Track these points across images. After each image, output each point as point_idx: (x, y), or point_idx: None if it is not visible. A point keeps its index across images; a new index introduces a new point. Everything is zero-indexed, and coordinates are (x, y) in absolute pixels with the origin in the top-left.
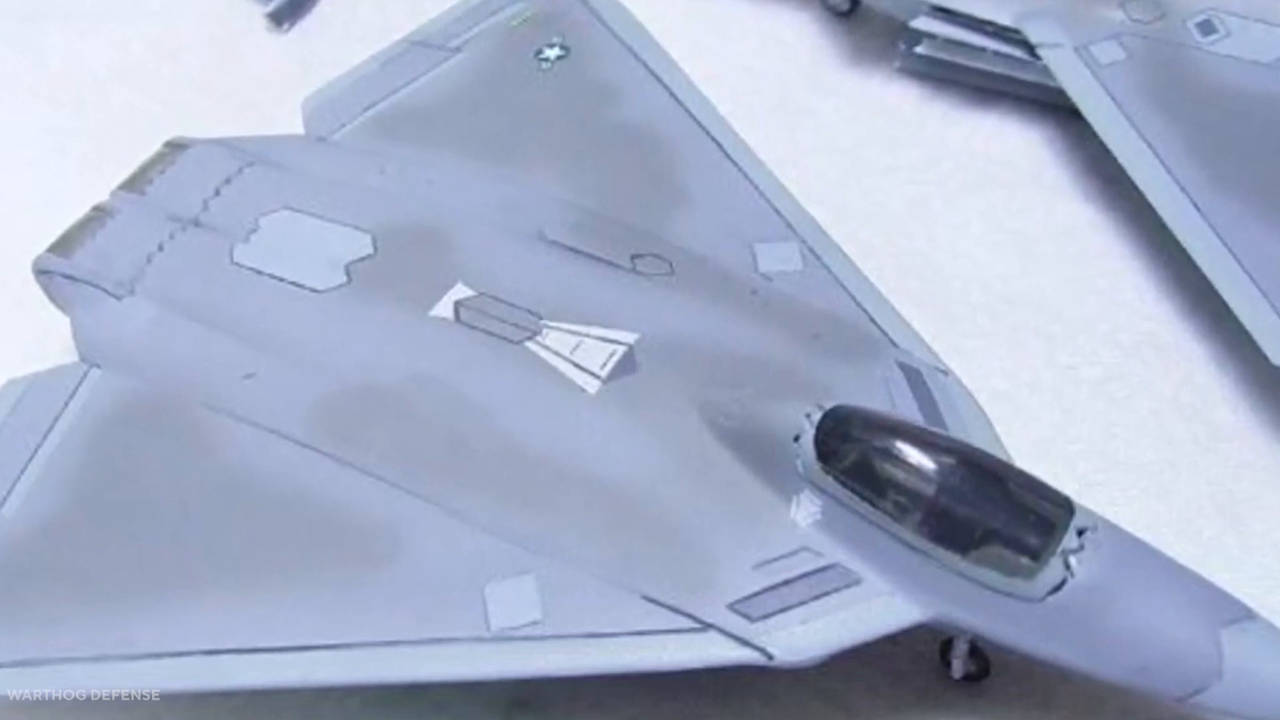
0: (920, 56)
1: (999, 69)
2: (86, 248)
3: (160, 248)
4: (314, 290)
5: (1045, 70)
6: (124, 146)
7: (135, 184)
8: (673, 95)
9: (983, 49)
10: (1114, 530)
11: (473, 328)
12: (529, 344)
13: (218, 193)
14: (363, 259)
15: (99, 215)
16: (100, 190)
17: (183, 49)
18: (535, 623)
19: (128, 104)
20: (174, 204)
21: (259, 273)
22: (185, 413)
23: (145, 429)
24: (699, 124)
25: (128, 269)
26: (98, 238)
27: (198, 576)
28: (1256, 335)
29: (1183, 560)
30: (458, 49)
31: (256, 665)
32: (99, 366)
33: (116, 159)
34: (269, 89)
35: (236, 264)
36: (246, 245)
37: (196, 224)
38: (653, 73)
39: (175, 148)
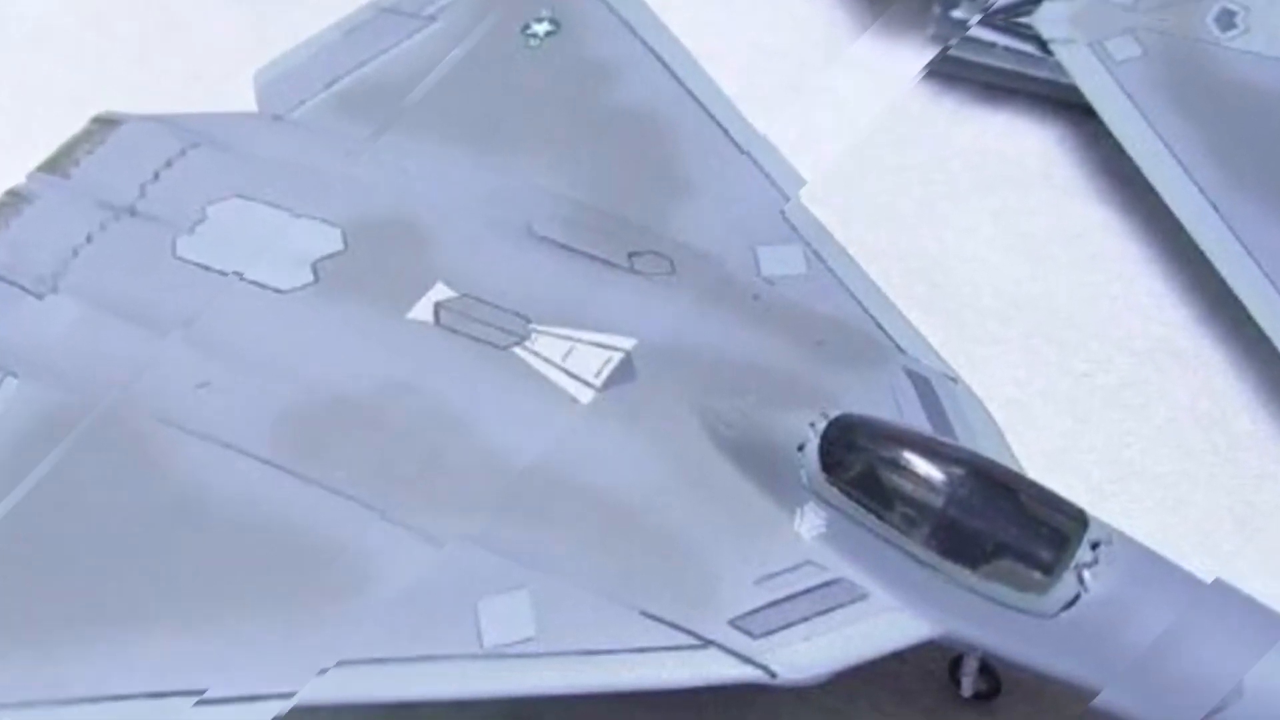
0: (957, 21)
1: (1010, 65)
2: (0, 239)
3: (88, 239)
4: (277, 290)
5: (1058, 66)
6: (44, 123)
7: (57, 165)
8: (674, 76)
9: (993, 44)
10: (1129, 543)
11: (454, 332)
12: (516, 350)
13: (157, 177)
14: (332, 255)
15: (14, 201)
16: (16, 173)
17: (113, 11)
18: (529, 639)
19: (48, 75)
20: (104, 189)
21: (208, 269)
22: (121, 426)
23: (72, 445)
24: (703, 107)
25: (49, 263)
26: (13, 227)
27: (142, 610)
28: (1277, 341)
29: (1200, 574)
30: (432, 17)
31: (209, 713)
32: (15, 375)
33: (34, 138)
34: (216, 59)
35: (180, 258)
36: (192, 237)
37: (132, 213)
38: (652, 50)
39: (105, 124)
